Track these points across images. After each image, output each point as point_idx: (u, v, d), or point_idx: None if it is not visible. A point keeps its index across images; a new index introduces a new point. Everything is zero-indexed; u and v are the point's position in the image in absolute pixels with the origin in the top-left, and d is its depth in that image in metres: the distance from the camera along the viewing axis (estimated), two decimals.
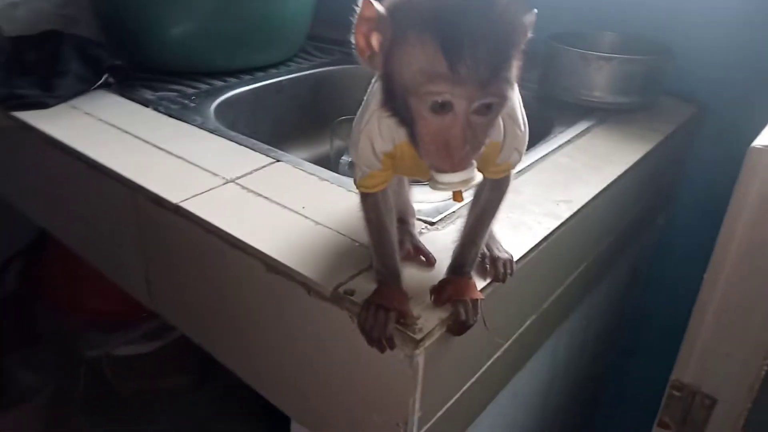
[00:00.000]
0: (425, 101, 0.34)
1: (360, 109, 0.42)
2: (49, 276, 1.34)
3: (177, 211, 0.57)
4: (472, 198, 0.46)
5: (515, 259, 0.50)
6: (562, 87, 0.86)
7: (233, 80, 0.94)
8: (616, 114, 0.83)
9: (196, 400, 1.38)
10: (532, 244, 0.53)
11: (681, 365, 0.45)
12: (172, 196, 0.58)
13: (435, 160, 0.36)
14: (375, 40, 0.36)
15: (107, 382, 1.33)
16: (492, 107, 0.35)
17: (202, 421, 1.35)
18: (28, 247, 1.40)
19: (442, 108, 0.34)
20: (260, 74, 0.98)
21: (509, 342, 0.57)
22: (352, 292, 0.45)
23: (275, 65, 1.02)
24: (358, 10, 0.36)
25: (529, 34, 0.36)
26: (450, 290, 0.44)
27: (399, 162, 0.42)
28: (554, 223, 0.56)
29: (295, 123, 1.01)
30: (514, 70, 0.35)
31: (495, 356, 0.55)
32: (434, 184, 0.37)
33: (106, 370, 1.32)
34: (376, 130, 0.41)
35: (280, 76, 0.99)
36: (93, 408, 1.33)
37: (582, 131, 0.77)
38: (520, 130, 0.42)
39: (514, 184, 0.62)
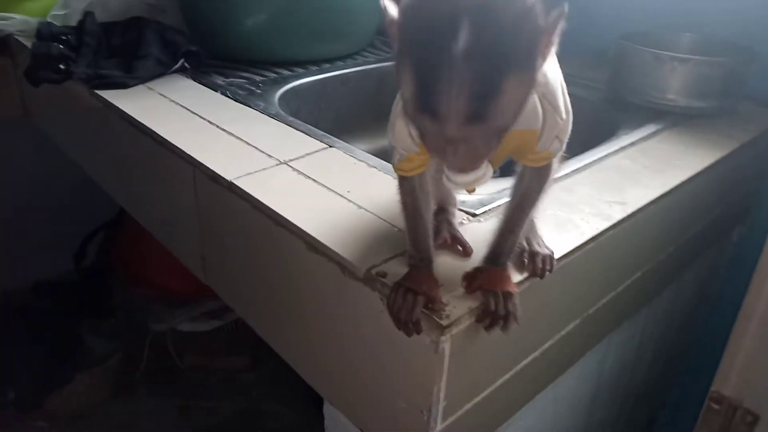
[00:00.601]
0: (416, 124, 0.35)
1: (398, 95, 0.43)
2: (125, 250, 1.43)
3: (230, 187, 0.59)
4: (512, 187, 0.45)
5: (557, 256, 0.49)
6: (632, 89, 0.82)
7: (300, 70, 0.97)
8: (690, 119, 0.78)
9: (250, 381, 1.44)
10: (578, 243, 0.51)
11: (722, 376, 0.41)
12: (227, 173, 0.60)
13: (439, 160, 0.37)
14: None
15: (169, 356, 1.40)
16: (487, 135, 0.34)
17: (254, 401, 1.40)
18: (110, 221, 1.50)
19: (433, 130, 0.34)
20: (327, 66, 1.00)
21: (549, 343, 0.55)
22: (384, 275, 0.46)
23: (343, 58, 1.04)
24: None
25: (559, 28, 0.33)
26: (482, 279, 0.44)
27: None
28: (604, 224, 0.54)
29: (357, 115, 1.02)
30: (518, 89, 0.32)
31: (532, 356, 0.53)
32: (447, 181, 0.39)
33: (168, 343, 1.39)
34: None
35: (347, 69, 1.01)
36: (154, 379, 1.41)
37: (649, 134, 0.74)
38: (561, 118, 0.40)
39: (566, 183, 0.61)
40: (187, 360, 1.42)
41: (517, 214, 0.45)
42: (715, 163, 0.68)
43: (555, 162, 0.44)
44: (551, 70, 0.40)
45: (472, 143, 0.34)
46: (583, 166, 0.64)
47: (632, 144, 0.71)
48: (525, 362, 0.53)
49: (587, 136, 0.80)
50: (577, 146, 0.74)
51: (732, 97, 0.79)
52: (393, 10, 0.34)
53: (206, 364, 1.43)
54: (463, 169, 0.35)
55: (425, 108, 0.32)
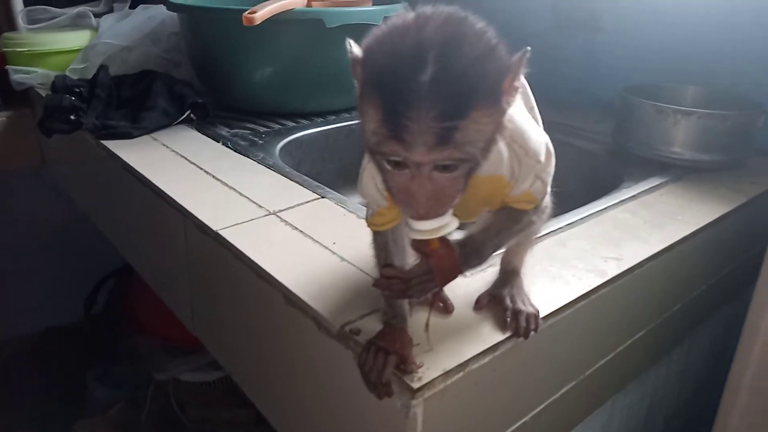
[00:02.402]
0: (381, 159, 0.34)
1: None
2: (132, 298, 1.43)
3: (217, 238, 0.59)
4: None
5: (543, 314, 0.46)
6: (636, 141, 0.81)
7: (305, 122, 0.98)
8: (696, 172, 0.76)
9: None
10: (566, 301, 0.49)
11: None
12: (215, 223, 0.60)
13: (403, 206, 0.35)
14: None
15: (171, 406, 1.38)
16: (453, 167, 0.33)
17: None
18: (120, 269, 1.51)
19: (399, 165, 0.34)
20: (332, 117, 1.01)
21: (540, 407, 0.52)
22: (358, 332, 0.44)
23: (349, 110, 1.05)
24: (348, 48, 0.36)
25: (521, 73, 0.34)
26: (440, 251, 0.39)
27: None
28: (597, 281, 0.51)
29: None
30: (483, 121, 0.33)
31: (521, 421, 0.50)
32: (409, 231, 0.37)
33: (171, 393, 1.37)
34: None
35: (352, 121, 1.01)
36: (156, 429, 1.38)
37: (651, 187, 0.72)
38: (538, 160, 0.39)
39: (560, 237, 0.59)
40: (191, 411, 1.39)
41: (504, 222, 0.42)
42: (720, 217, 0.65)
43: (545, 208, 0.43)
44: (519, 114, 0.39)
45: (437, 180, 0.33)
46: (579, 219, 0.62)
47: (633, 197, 0.69)
48: (513, 428, 0.49)
49: (591, 187, 0.79)
50: (582, 198, 0.72)
51: (739, 151, 0.77)
52: (357, 50, 0.34)
53: (210, 416, 1.40)
54: (428, 213, 0.34)
55: (392, 133, 0.32)
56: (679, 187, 0.72)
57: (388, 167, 0.34)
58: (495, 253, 0.43)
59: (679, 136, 0.77)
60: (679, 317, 0.67)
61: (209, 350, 0.69)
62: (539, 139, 0.40)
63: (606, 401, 0.63)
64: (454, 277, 0.41)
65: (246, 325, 0.59)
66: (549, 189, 0.42)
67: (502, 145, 0.38)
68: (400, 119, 0.32)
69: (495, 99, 0.33)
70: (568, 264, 0.54)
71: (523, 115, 0.40)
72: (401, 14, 0.34)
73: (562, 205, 0.67)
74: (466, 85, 0.32)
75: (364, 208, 0.64)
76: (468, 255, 0.41)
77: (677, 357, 0.75)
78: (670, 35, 0.92)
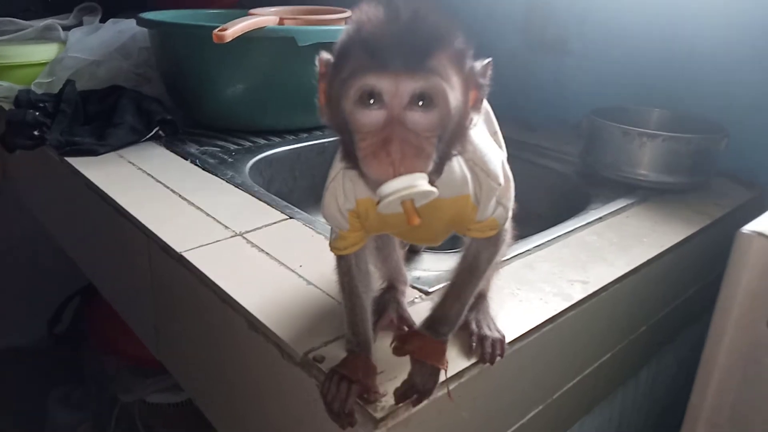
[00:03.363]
0: (355, 97, 0.33)
1: (330, 169, 0.42)
2: (98, 317, 1.39)
3: (180, 260, 0.57)
4: (460, 255, 0.43)
5: (510, 339, 0.46)
6: (604, 163, 0.82)
7: (277, 139, 0.97)
8: (661, 194, 0.77)
9: None
10: (533, 325, 0.48)
11: None
12: (179, 245, 0.59)
13: (373, 167, 0.33)
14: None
15: (137, 429, 1.34)
16: (429, 100, 0.33)
17: None
18: (85, 287, 1.47)
19: (372, 100, 0.33)
20: (304, 135, 1.01)
21: None
22: (321, 359, 0.43)
23: (320, 128, 1.05)
24: (317, 69, 0.36)
25: (472, 63, 0.35)
26: (415, 344, 0.40)
27: (364, 221, 0.40)
28: (564, 304, 0.52)
29: None
30: (451, 73, 0.33)
31: None
32: (380, 200, 0.33)
33: (137, 415, 1.33)
34: (340, 188, 0.40)
35: (323, 139, 1.01)
36: None
37: (618, 209, 0.72)
38: (498, 183, 0.39)
39: (528, 259, 0.59)
40: None
41: (466, 280, 0.42)
42: (685, 239, 0.66)
43: (506, 234, 0.42)
44: (481, 138, 0.40)
45: (413, 121, 0.33)
46: (546, 242, 0.63)
47: (600, 219, 0.69)
48: None
49: (560, 207, 0.80)
50: (551, 217, 0.73)
51: (703, 173, 0.79)
52: (326, 55, 0.36)
53: None
54: (400, 165, 0.32)
55: (368, 60, 0.32)
56: (644, 209, 0.74)
57: (358, 114, 0.33)
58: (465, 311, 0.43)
59: (644, 159, 0.78)
60: (644, 339, 0.67)
61: (172, 374, 0.68)
62: (498, 163, 0.40)
63: (574, 424, 0.63)
64: (443, 352, 0.41)
65: (210, 350, 0.58)
66: (510, 214, 0.42)
67: (463, 165, 0.38)
68: (378, 44, 0.32)
69: (461, 63, 0.34)
70: (535, 287, 0.54)
71: (485, 138, 0.40)
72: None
73: (533, 225, 0.67)
74: (435, 30, 0.33)
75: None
76: (439, 330, 0.42)
77: (644, 379, 0.75)
78: (635, 59, 0.94)
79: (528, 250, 0.61)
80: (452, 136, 0.35)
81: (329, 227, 0.43)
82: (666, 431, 0.89)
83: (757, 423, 0.32)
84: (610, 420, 0.71)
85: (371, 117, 0.33)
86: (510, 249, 0.54)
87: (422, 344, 0.40)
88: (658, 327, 0.69)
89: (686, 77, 0.89)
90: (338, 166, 0.39)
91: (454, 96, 0.33)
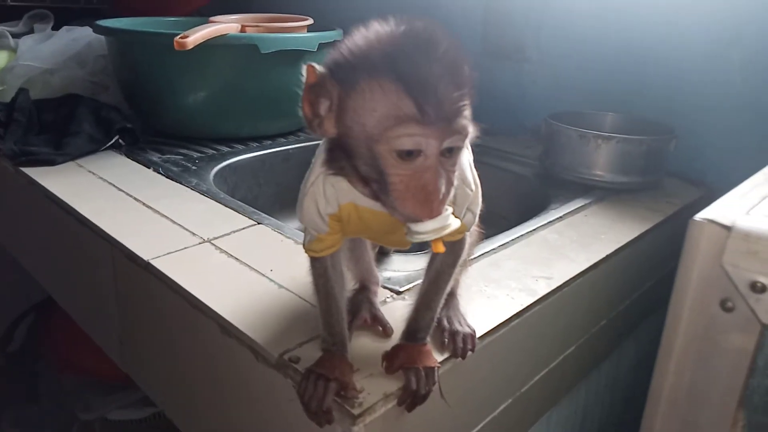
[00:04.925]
0: (395, 146, 0.33)
1: (307, 173, 0.42)
2: (55, 334, 1.34)
3: (147, 267, 0.57)
4: (427, 263, 0.45)
5: (480, 334, 0.47)
6: (561, 165, 0.85)
7: (241, 147, 0.97)
8: (616, 193, 0.81)
9: None
10: (501, 320, 0.50)
11: None
12: (145, 253, 0.58)
13: (412, 209, 0.34)
14: (323, 105, 0.36)
15: None
16: (459, 148, 0.35)
17: None
18: (40, 303, 1.42)
19: (414, 152, 0.33)
20: (268, 142, 1.01)
21: (479, 426, 0.52)
22: (297, 360, 0.43)
23: (285, 134, 1.05)
24: (303, 78, 0.36)
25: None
26: (402, 357, 0.42)
27: (346, 224, 0.41)
28: (529, 299, 0.53)
29: (299, 191, 1.02)
30: (468, 108, 0.35)
31: None
32: (412, 236, 0.35)
33: None
34: (321, 192, 0.40)
35: (288, 145, 1.01)
36: None
37: (577, 208, 0.75)
38: (471, 189, 0.41)
39: (494, 258, 0.61)
40: None
41: (434, 288, 0.44)
42: (639, 236, 0.69)
43: (469, 236, 0.44)
44: None
45: (446, 167, 0.34)
46: (510, 241, 0.65)
47: (561, 218, 0.72)
48: None
49: (521, 209, 0.82)
50: (513, 218, 0.75)
51: (655, 173, 0.83)
52: (319, 68, 0.35)
53: None
54: (441, 203, 0.34)
55: (411, 111, 0.32)
56: (601, 208, 0.77)
57: (396, 162, 0.34)
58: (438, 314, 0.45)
59: (600, 160, 0.81)
60: (605, 332, 0.70)
61: (140, 386, 0.66)
62: (469, 169, 0.41)
63: (541, 417, 0.64)
64: (430, 352, 0.43)
65: (180, 358, 0.57)
66: (477, 220, 0.44)
67: None
68: (421, 93, 0.32)
69: (471, 92, 0.35)
70: (502, 284, 0.56)
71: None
72: (360, 29, 0.35)
73: (496, 226, 0.69)
74: (459, 65, 0.34)
75: (302, 234, 0.64)
76: (417, 336, 0.43)
77: (606, 370, 0.78)
78: (589, 66, 0.98)
79: (493, 249, 0.62)
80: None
81: (303, 231, 0.43)
82: (627, 423, 0.93)
83: (712, 397, 0.34)
84: (575, 412, 0.74)
85: (410, 166, 0.34)
86: (477, 248, 0.55)
87: (409, 354, 0.42)
88: (618, 320, 0.72)
89: (637, 82, 0.93)
90: (318, 170, 0.40)
91: (472, 127, 0.35)
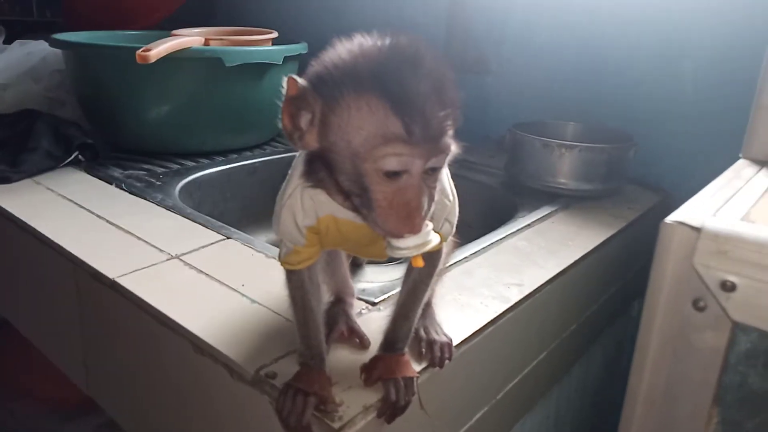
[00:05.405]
0: (382, 166, 0.33)
1: (283, 184, 0.42)
2: (8, 359, 1.28)
3: (113, 286, 0.55)
4: (404, 273, 0.45)
5: (456, 342, 0.48)
6: (527, 173, 0.86)
7: (205, 161, 0.95)
8: (581, 200, 0.83)
9: None
10: (476, 328, 0.50)
11: None
12: (111, 271, 0.56)
13: (394, 225, 0.34)
14: (303, 119, 0.35)
15: None
16: (441, 166, 0.35)
17: None
18: None
19: (399, 171, 0.34)
20: (234, 156, 0.99)
21: None
22: (273, 375, 0.42)
23: (250, 148, 1.04)
24: (283, 90, 0.36)
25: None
26: (381, 368, 0.42)
27: (324, 236, 0.41)
28: (502, 307, 0.54)
29: (265, 205, 1.00)
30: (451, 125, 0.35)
31: None
32: (393, 251, 0.36)
33: None
34: (299, 204, 0.40)
35: (254, 159, 1.00)
36: None
37: (543, 216, 0.77)
38: (449, 200, 0.41)
39: (466, 266, 0.62)
40: None
41: (411, 298, 0.44)
42: (605, 241, 0.71)
43: (446, 246, 0.44)
44: None
45: (429, 184, 0.34)
46: (482, 249, 0.66)
47: (528, 226, 0.73)
48: None
49: (489, 218, 0.83)
50: (481, 227, 0.76)
51: (616, 180, 0.85)
52: (301, 81, 0.35)
53: None
54: (419, 225, 0.34)
55: (398, 129, 0.32)
56: (567, 215, 0.78)
57: (381, 179, 0.34)
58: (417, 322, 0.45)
59: (563, 168, 0.83)
60: (575, 337, 0.71)
61: (106, 410, 0.64)
62: (446, 180, 0.42)
63: (517, 422, 0.65)
64: (408, 362, 0.43)
65: (149, 379, 0.55)
66: (453, 230, 0.44)
67: None
68: (409, 113, 0.32)
69: (455, 110, 0.35)
70: (475, 292, 0.56)
71: None
72: (343, 43, 0.35)
73: (464, 236, 0.70)
74: (444, 81, 0.34)
75: (273, 248, 0.64)
76: (395, 346, 0.44)
77: (576, 374, 0.79)
78: (550, 77, 1.01)
79: (465, 258, 0.63)
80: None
81: (274, 244, 0.43)
82: (598, 427, 0.95)
83: (686, 395, 0.35)
84: (548, 418, 0.75)
85: (395, 183, 0.34)
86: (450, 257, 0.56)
87: (387, 365, 0.42)
88: (586, 324, 0.73)
89: (595, 92, 0.96)
90: (296, 182, 0.40)
91: (454, 145, 0.35)
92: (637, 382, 0.37)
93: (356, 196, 0.35)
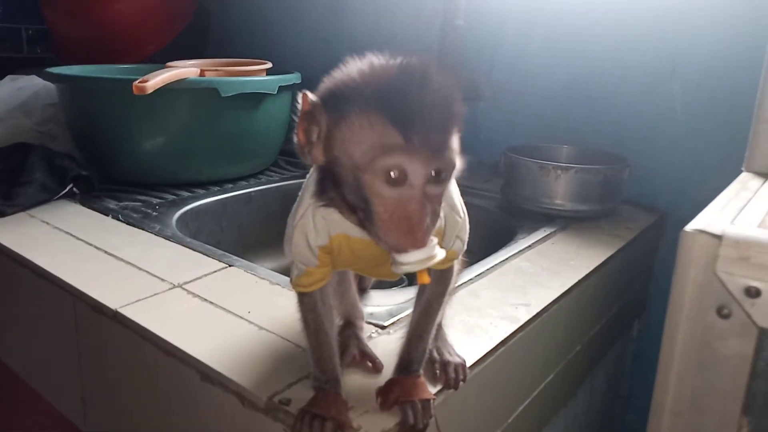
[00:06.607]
0: (380, 175, 0.33)
1: (294, 206, 0.42)
2: None
3: (115, 317, 0.54)
4: (417, 293, 0.44)
5: (469, 364, 0.47)
6: (523, 196, 0.87)
7: (201, 191, 0.95)
8: (578, 221, 0.84)
9: None
10: (488, 349, 0.50)
11: None
12: (112, 301, 0.55)
13: (396, 238, 0.34)
14: (314, 133, 0.36)
15: None
16: (443, 175, 0.35)
17: None
18: None
19: (398, 180, 0.33)
20: (229, 186, 0.99)
21: None
22: (287, 402, 0.42)
23: (246, 177, 1.04)
24: (298, 105, 0.37)
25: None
26: (397, 391, 0.41)
27: (336, 256, 0.41)
28: (512, 327, 0.54)
29: (261, 233, 1.00)
30: (457, 143, 0.35)
31: None
32: (397, 266, 0.35)
33: None
34: (311, 224, 0.40)
35: (250, 188, 1.00)
36: None
37: (543, 237, 0.77)
38: (460, 216, 0.41)
39: (472, 288, 0.62)
40: None
41: (424, 319, 0.43)
42: (606, 260, 0.71)
43: (457, 264, 0.44)
44: None
45: (432, 195, 0.34)
46: (486, 270, 0.65)
47: (529, 247, 0.74)
48: None
49: (488, 242, 0.83)
50: (481, 251, 0.76)
51: (611, 201, 0.86)
52: (313, 96, 0.35)
53: None
54: (423, 237, 0.34)
55: (397, 139, 0.33)
56: (566, 236, 0.79)
57: (382, 191, 0.34)
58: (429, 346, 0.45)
59: (560, 190, 0.84)
60: (580, 358, 0.71)
61: None
62: (457, 196, 0.42)
63: None
64: (424, 384, 0.43)
65: (153, 413, 0.54)
66: (465, 247, 0.44)
67: None
68: (407, 122, 0.33)
69: (459, 126, 0.35)
70: (484, 313, 0.56)
71: None
72: (355, 60, 0.36)
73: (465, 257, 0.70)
74: (449, 96, 0.34)
75: (276, 274, 0.63)
76: (411, 368, 0.43)
77: (581, 397, 0.79)
78: (540, 102, 1.02)
79: (471, 279, 0.63)
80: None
81: (289, 266, 0.42)
82: None
83: (714, 405, 0.35)
84: None
85: (396, 193, 0.34)
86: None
87: (403, 387, 0.41)
88: (590, 345, 0.73)
89: (585, 115, 0.98)
90: (307, 202, 0.39)
91: (459, 161, 0.35)
92: (662, 393, 0.37)
93: (360, 210, 0.35)
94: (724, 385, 0.34)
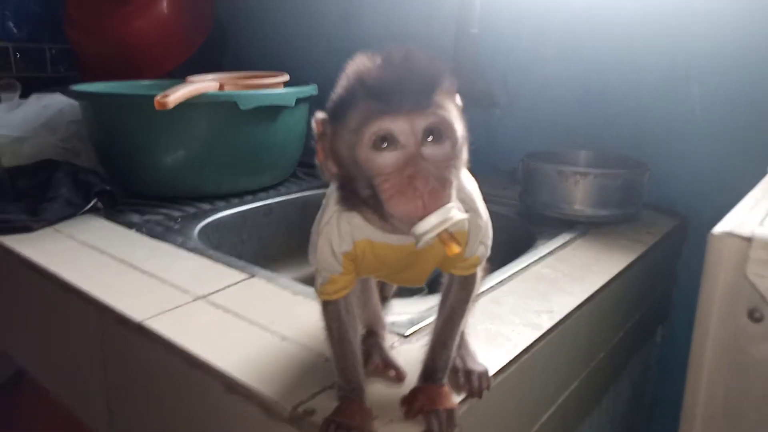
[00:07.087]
0: (371, 144, 0.34)
1: (318, 214, 0.42)
2: (16, 415, 1.26)
3: (140, 329, 0.54)
4: (440, 301, 0.44)
5: (492, 372, 0.47)
6: (542, 202, 0.87)
7: (222, 203, 0.96)
8: (598, 227, 0.83)
9: None
10: (512, 356, 0.50)
11: None
12: (137, 314, 0.56)
13: (403, 207, 0.33)
14: (327, 146, 0.37)
15: None
16: (440, 133, 0.34)
17: None
18: (5, 382, 1.34)
19: (390, 144, 0.34)
20: (249, 197, 1.00)
21: None
22: (312, 412, 0.42)
23: (265, 189, 1.05)
24: (314, 130, 0.38)
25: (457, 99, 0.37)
26: (422, 399, 0.41)
27: (361, 262, 0.41)
28: (535, 334, 0.53)
29: (282, 244, 1.01)
30: (451, 105, 0.36)
31: None
32: (418, 239, 0.33)
33: None
34: (335, 231, 0.40)
35: (269, 199, 1.01)
36: None
37: (563, 243, 0.77)
38: (482, 220, 0.41)
39: (493, 295, 0.61)
40: None
41: (448, 326, 0.43)
42: (628, 266, 0.71)
43: (480, 270, 0.44)
44: (467, 180, 0.42)
45: (431, 156, 0.34)
46: (507, 277, 0.65)
47: (550, 253, 0.73)
48: None
49: (508, 248, 0.83)
50: (501, 258, 0.75)
51: (632, 205, 0.85)
52: (321, 114, 0.37)
53: None
54: (429, 202, 0.33)
55: (378, 106, 0.33)
56: (586, 241, 0.78)
57: (377, 160, 0.34)
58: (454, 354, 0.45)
59: (579, 195, 0.84)
60: (604, 366, 0.70)
61: None
62: (480, 201, 0.42)
63: None
64: (449, 393, 0.42)
65: (179, 423, 0.54)
66: (489, 252, 0.44)
67: (458, 203, 0.39)
68: (386, 89, 0.33)
69: (454, 97, 0.36)
70: (506, 320, 0.56)
71: (469, 180, 0.42)
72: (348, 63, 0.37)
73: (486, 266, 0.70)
74: (431, 70, 0.35)
75: (298, 285, 0.64)
76: (435, 376, 0.43)
77: (606, 405, 0.78)
78: (556, 107, 1.02)
79: (491, 287, 0.63)
80: (462, 142, 0.36)
81: (316, 274, 0.42)
82: None
83: (748, 409, 0.34)
84: None
85: (390, 159, 0.34)
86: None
87: (428, 396, 0.41)
88: (613, 353, 0.72)
89: (602, 119, 0.97)
90: (332, 209, 0.40)
91: (459, 126, 0.35)
92: (693, 399, 0.36)
93: (370, 198, 0.35)
94: (759, 388, 0.33)
